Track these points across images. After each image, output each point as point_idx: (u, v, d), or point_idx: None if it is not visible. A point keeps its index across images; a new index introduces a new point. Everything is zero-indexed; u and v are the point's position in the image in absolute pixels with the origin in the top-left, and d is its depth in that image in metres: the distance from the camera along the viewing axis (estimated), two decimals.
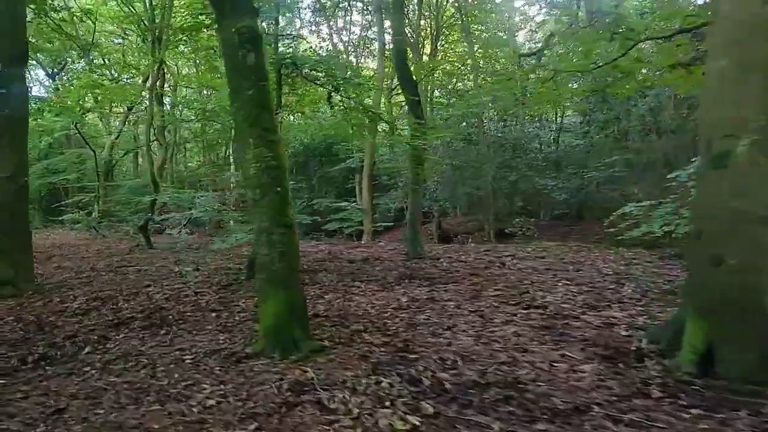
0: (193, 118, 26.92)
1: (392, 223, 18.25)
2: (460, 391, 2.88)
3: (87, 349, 4.09)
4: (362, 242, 15.59)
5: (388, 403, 2.72)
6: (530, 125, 19.41)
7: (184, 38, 20.22)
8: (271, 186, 3.77)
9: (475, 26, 22.78)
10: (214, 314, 5.00)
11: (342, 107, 8.09)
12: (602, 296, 5.09)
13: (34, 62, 20.18)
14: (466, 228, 19.81)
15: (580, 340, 3.72)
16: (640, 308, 4.60)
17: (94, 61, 22.12)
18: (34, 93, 22.94)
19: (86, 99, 23.35)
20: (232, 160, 26.16)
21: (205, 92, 25.75)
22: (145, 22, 15.13)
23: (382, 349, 3.70)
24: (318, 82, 7.06)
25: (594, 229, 16.67)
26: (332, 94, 7.17)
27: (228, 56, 3.95)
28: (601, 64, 5.80)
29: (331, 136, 27.27)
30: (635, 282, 5.68)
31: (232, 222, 6.69)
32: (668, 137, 11.79)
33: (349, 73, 7.71)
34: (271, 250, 3.73)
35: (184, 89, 28.09)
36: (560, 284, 5.76)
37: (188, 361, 3.72)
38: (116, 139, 25.61)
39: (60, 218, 25.68)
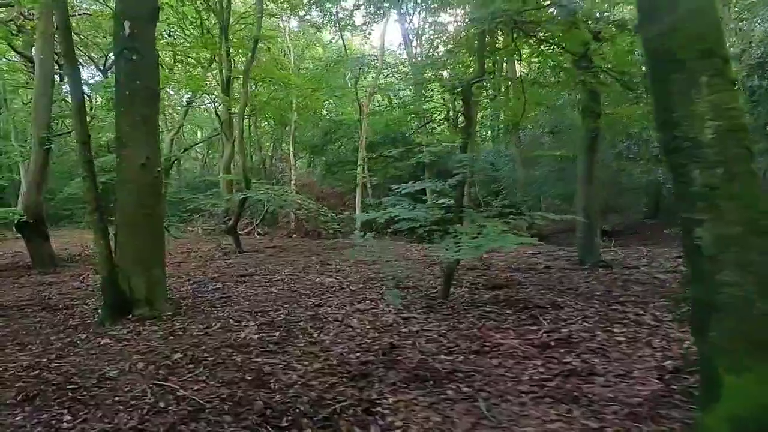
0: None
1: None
2: None
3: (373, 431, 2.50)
4: None
5: None
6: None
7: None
8: (742, 161, 2.10)
9: None
10: (497, 363, 3.36)
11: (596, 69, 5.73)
12: None
13: (85, 57, 18.76)
14: (555, 227, 17.87)
15: None
16: None
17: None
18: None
19: None
20: (292, 155, 24.76)
21: (254, 87, 24.38)
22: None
23: None
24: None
25: None
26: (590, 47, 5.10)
27: None
28: None
29: (398, 126, 25.79)
30: None
31: (468, 223, 4.95)
32: None
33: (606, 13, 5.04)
34: (744, 276, 2.06)
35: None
36: None
37: None
38: (176, 134, 24.53)
39: None
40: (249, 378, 3.35)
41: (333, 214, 12.66)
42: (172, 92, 21.73)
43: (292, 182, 23.40)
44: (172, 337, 4.50)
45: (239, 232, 18.69)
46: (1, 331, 5.09)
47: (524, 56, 6.43)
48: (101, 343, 4.46)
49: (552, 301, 4.82)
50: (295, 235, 17.45)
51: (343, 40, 19.07)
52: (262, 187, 12.21)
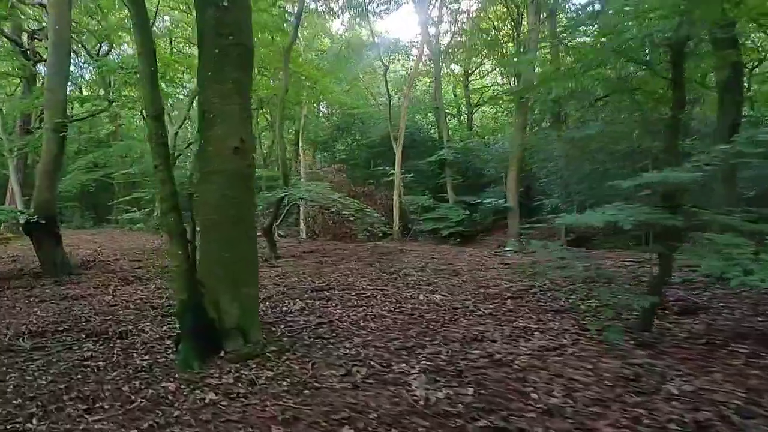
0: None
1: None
2: None
3: None
4: (508, 248, 12.53)
5: None
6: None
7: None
8: None
9: None
10: None
11: None
12: None
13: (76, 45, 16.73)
14: (599, 229, 16.55)
15: None
16: None
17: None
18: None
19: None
20: (302, 151, 23.35)
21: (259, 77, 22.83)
22: None
23: None
24: None
25: None
26: None
27: None
28: None
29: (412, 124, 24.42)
30: None
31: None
32: None
33: None
34: None
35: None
36: None
37: None
38: (179, 128, 22.79)
39: (116, 217, 22.99)
40: None
41: (378, 215, 11.31)
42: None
43: (302, 180, 21.95)
44: (307, 392, 3.14)
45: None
46: (45, 375, 3.70)
47: None
48: (206, 400, 3.10)
49: None
50: (320, 237, 16.02)
51: (370, 25, 17.69)
52: (300, 184, 10.80)
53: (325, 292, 6.21)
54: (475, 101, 26.85)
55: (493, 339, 3.87)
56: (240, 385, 3.31)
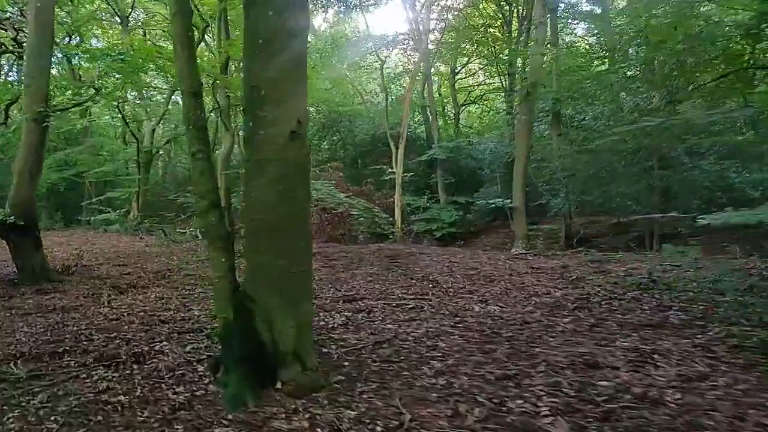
0: None
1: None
2: None
3: None
4: (518, 250, 11.98)
5: None
6: None
7: None
8: None
9: None
10: None
11: None
12: None
13: None
14: (598, 230, 16.13)
15: None
16: None
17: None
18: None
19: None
20: None
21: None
22: None
23: None
24: None
25: None
26: None
27: None
28: None
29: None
30: None
31: None
32: None
33: None
34: None
35: None
36: None
37: None
38: (158, 123, 21.61)
39: (88, 218, 21.61)
40: None
41: (387, 217, 10.64)
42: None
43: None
44: None
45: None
46: (53, 414, 2.91)
47: None
48: None
49: None
50: (315, 238, 15.16)
51: (365, 18, 16.99)
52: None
53: (359, 302, 5.50)
54: (462, 100, 26.43)
55: (612, 365, 3.22)
56: (320, 431, 2.57)
